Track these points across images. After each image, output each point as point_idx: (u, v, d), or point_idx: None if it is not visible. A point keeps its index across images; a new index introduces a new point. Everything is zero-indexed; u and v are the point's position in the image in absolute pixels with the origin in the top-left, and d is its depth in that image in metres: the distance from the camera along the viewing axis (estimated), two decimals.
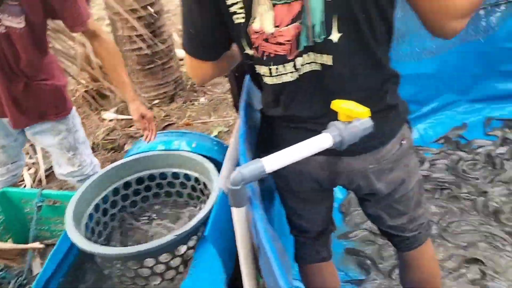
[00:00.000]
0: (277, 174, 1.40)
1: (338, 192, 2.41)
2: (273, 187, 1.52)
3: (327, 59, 1.10)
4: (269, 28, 1.09)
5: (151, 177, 1.64)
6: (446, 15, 1.06)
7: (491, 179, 2.42)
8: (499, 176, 2.42)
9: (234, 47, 1.23)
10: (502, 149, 2.59)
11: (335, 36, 1.07)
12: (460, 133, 2.74)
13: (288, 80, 1.15)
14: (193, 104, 3.87)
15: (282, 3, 1.05)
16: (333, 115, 1.07)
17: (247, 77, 1.44)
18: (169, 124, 3.61)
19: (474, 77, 2.73)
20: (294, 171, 1.31)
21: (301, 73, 1.14)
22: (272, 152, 1.00)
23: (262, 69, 1.17)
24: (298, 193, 1.41)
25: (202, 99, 3.92)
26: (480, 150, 2.61)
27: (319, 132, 1.09)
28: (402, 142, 1.27)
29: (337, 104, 1.00)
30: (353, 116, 0.99)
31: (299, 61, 1.12)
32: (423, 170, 2.50)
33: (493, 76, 2.65)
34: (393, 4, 1.09)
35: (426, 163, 2.57)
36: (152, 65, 3.74)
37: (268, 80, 1.17)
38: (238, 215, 1.04)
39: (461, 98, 2.83)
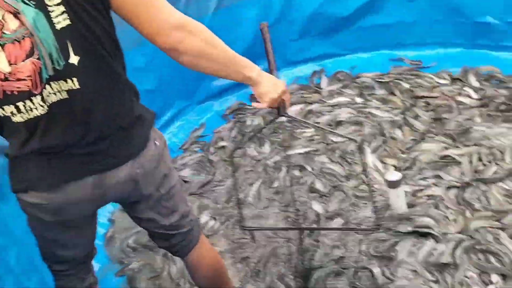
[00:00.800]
0: (36, 211, 1.33)
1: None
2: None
3: (73, 83, 1.15)
4: (5, 67, 1.10)
5: None
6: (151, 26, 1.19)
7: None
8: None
9: None
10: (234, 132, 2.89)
11: (74, 59, 1.14)
12: (200, 134, 2.98)
13: (39, 114, 1.16)
14: None
15: (11, 42, 1.06)
16: (94, 136, 1.20)
17: None
18: None
19: (194, 81, 3.01)
20: (64, 204, 1.30)
21: (49, 103, 1.16)
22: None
23: (8, 110, 1.15)
24: (68, 222, 1.39)
25: None
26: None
27: (86, 155, 1.21)
28: (156, 142, 1.40)
29: None
30: None
31: (45, 93, 1.14)
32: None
33: (207, 78, 2.95)
34: (112, 25, 1.20)
35: (186, 169, 2.71)
36: None
37: (17, 119, 1.17)
38: None
39: (191, 102, 3.11)
